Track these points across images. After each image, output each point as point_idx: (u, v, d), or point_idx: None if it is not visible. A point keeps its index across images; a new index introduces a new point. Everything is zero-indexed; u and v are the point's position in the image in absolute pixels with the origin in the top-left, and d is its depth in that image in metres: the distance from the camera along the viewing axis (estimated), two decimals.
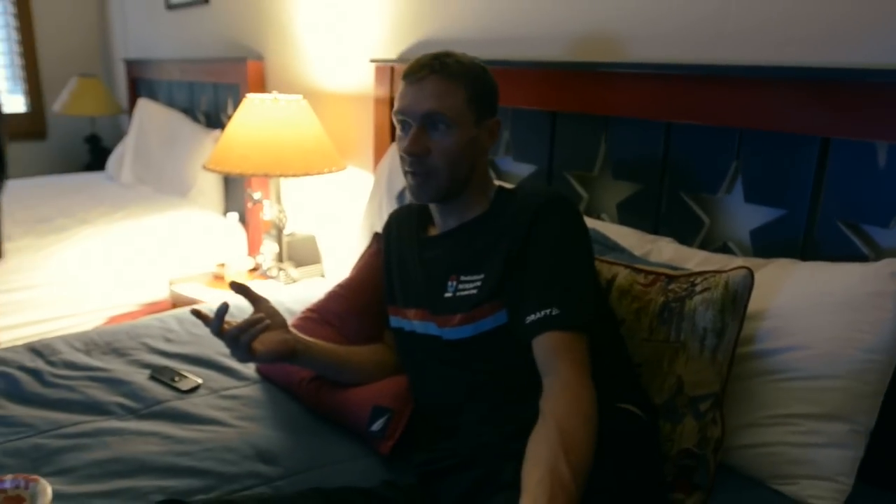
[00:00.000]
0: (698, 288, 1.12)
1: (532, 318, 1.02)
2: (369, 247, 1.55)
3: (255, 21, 2.90)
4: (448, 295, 1.15)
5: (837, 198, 1.24)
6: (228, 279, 2.56)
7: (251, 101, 2.28)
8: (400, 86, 1.16)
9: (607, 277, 1.25)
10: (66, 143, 4.40)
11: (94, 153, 4.32)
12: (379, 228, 1.98)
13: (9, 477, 1.07)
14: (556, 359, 0.99)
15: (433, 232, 1.26)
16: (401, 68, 2.07)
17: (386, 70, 2.14)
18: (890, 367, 1.08)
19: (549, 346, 1.00)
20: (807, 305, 1.12)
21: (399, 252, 1.29)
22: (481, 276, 1.12)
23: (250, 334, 1.10)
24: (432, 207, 1.23)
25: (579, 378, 0.97)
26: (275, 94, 2.30)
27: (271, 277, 2.52)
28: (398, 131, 1.18)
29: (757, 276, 1.12)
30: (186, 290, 2.57)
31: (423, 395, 1.22)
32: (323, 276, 2.59)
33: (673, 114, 1.45)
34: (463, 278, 1.14)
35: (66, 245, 2.65)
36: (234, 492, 1.10)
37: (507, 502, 0.89)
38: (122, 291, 2.70)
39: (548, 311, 1.01)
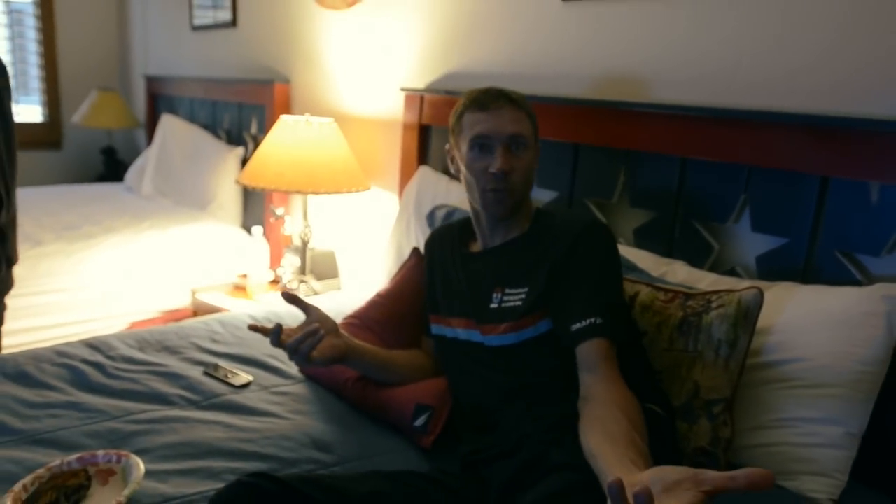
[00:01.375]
0: (714, 304, 1.28)
1: (578, 326, 1.16)
2: (408, 260, 1.70)
3: (282, 45, 3.05)
4: (493, 306, 1.28)
5: (834, 229, 1.40)
6: (250, 290, 2.69)
7: (285, 121, 2.42)
8: (468, 115, 1.30)
9: (630, 294, 1.40)
10: (81, 154, 4.52)
11: (108, 165, 4.43)
12: (406, 247, 2.14)
13: (100, 452, 1.18)
14: (600, 361, 1.13)
15: (475, 248, 1.41)
16: (431, 98, 2.25)
17: (416, 98, 2.30)
18: (880, 378, 1.24)
19: (592, 351, 1.14)
20: (808, 323, 1.28)
21: (442, 266, 1.43)
22: (525, 289, 1.26)
23: (309, 345, 1.19)
24: (482, 224, 1.36)
25: (620, 378, 1.12)
26: (307, 115, 2.45)
27: (291, 290, 2.65)
28: (470, 152, 1.29)
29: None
30: (209, 299, 2.68)
31: (464, 395, 1.35)
32: (339, 289, 2.71)
33: (688, 150, 1.61)
34: (508, 291, 1.28)
35: (94, 252, 2.76)
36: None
37: (561, 481, 1.02)
38: (144, 298, 2.81)
39: (592, 319, 1.15)
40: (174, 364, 1.62)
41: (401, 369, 1.44)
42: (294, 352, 1.20)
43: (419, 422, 1.36)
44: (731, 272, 1.57)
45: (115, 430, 1.32)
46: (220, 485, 1.12)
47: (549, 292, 1.23)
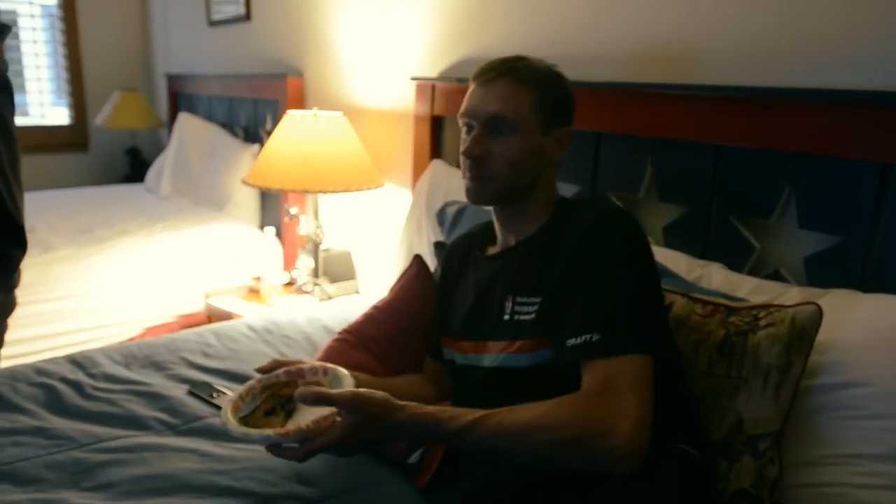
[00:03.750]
0: (762, 322, 1.08)
1: (572, 342, 0.97)
2: (409, 268, 1.53)
3: (295, 38, 2.92)
4: (506, 318, 1.10)
5: None
6: (263, 293, 2.58)
7: (291, 117, 2.29)
8: (469, 87, 1.14)
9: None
10: (107, 155, 4.49)
11: (133, 165, 4.39)
12: (417, 247, 1.98)
13: (307, 366, 1.07)
14: (602, 393, 0.91)
15: (492, 251, 1.22)
16: (442, 86, 2.09)
17: (427, 88, 2.14)
18: None
19: (592, 378, 0.94)
20: (870, 340, 1.07)
21: (459, 280, 1.26)
22: (538, 299, 1.06)
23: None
24: (495, 221, 1.19)
25: (630, 419, 0.88)
26: (315, 110, 2.31)
27: (306, 293, 2.52)
28: (462, 133, 1.15)
29: None
30: (222, 304, 2.58)
31: None
32: (358, 292, 2.58)
33: (724, 136, 1.41)
34: (519, 300, 1.09)
35: (106, 256, 2.69)
36: None
37: None
38: (158, 303, 2.73)
39: (588, 336, 0.95)
40: (158, 382, 1.49)
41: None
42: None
43: (413, 458, 1.20)
44: (775, 275, 1.37)
45: (80, 460, 1.20)
46: None
47: (553, 303, 1.03)
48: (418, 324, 1.39)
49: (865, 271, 1.24)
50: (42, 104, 4.37)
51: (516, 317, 1.08)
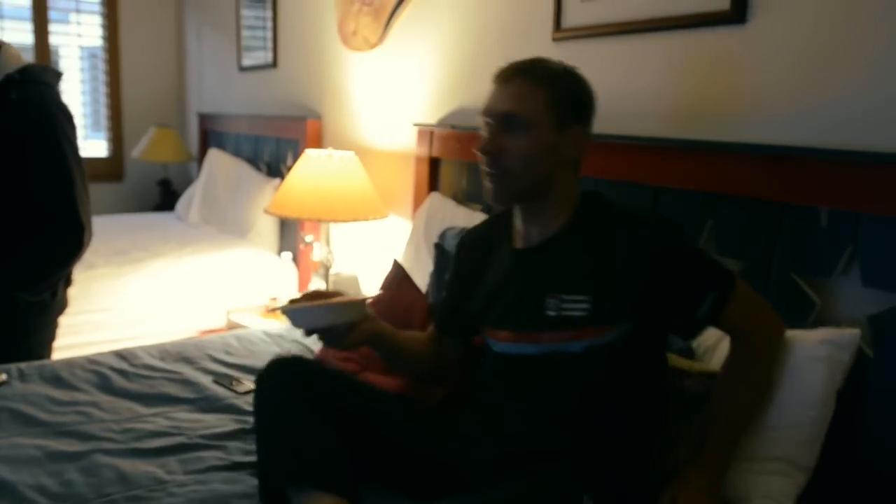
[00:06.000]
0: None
1: (702, 310, 1.18)
2: (390, 274, 1.82)
3: (316, 85, 3.28)
4: (551, 313, 1.17)
5: (787, 252, 1.43)
6: (277, 311, 2.87)
7: (309, 155, 2.62)
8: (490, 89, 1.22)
9: None
10: (140, 186, 4.86)
11: (164, 195, 4.75)
12: (416, 272, 2.25)
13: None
14: (741, 325, 1.21)
15: (518, 245, 1.28)
16: (439, 132, 2.40)
17: (426, 133, 2.46)
18: (826, 419, 1.27)
19: (734, 320, 1.20)
20: None
21: (480, 271, 1.33)
22: (587, 297, 1.15)
23: (339, 330, 1.20)
24: (516, 216, 1.27)
25: (775, 318, 1.25)
26: (330, 149, 2.64)
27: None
28: (483, 132, 1.20)
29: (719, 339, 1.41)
30: (242, 319, 2.88)
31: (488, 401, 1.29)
32: None
33: (657, 179, 1.66)
34: (565, 297, 1.16)
35: (140, 275, 3.01)
36: None
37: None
38: (186, 318, 3.04)
39: (710, 297, 1.17)
40: (188, 372, 1.79)
41: (408, 360, 1.40)
42: (327, 334, 1.22)
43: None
44: None
45: (127, 429, 1.49)
46: None
47: (625, 302, 1.16)
48: (405, 316, 1.64)
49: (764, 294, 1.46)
50: (85, 138, 4.77)
51: (563, 313, 1.16)
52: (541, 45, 2.07)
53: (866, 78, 1.37)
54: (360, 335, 1.23)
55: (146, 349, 1.93)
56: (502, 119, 1.16)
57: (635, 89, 1.81)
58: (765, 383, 1.26)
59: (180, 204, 4.16)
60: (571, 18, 1.96)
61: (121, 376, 1.74)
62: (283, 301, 1.22)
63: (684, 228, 1.23)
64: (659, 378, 1.29)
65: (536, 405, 1.21)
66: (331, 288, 2.81)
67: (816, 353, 1.29)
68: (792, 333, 1.32)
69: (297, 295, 1.34)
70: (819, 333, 1.32)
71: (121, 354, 1.87)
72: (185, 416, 1.55)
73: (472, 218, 2.19)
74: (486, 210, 2.24)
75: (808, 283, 1.41)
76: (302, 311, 1.19)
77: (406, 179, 2.68)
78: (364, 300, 1.25)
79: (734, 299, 1.20)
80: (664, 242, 1.17)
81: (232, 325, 2.94)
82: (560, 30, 1.99)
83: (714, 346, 1.45)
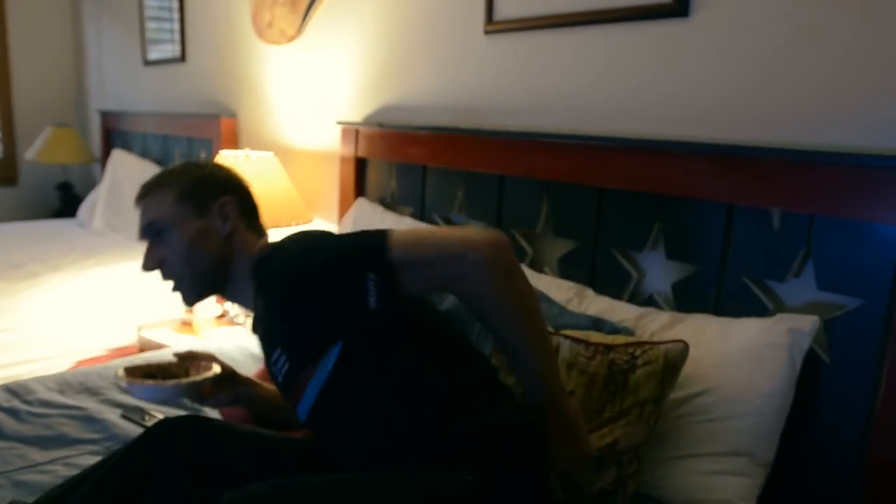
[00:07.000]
0: (639, 361, 1.23)
1: (372, 299, 1.02)
2: None
3: (229, 80, 3.07)
4: (283, 372, 1.17)
5: (741, 255, 1.41)
6: (196, 325, 2.67)
7: (223, 157, 2.42)
8: None
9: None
10: (37, 190, 4.48)
11: (64, 200, 4.40)
12: None
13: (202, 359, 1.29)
14: (439, 280, 1.04)
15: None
16: (365, 130, 2.26)
17: (351, 132, 2.31)
18: (785, 409, 1.25)
19: (415, 286, 1.05)
20: (715, 356, 1.29)
21: None
22: (283, 350, 1.15)
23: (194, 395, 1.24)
24: None
25: (457, 264, 1.01)
26: (246, 150, 2.45)
27: (238, 324, 2.63)
28: None
29: (676, 330, 1.34)
30: (154, 336, 2.65)
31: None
32: None
33: (602, 180, 1.63)
34: (278, 357, 1.17)
35: (38, 291, 2.73)
36: None
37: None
38: (91, 336, 2.78)
39: (370, 279, 1.01)
40: (93, 406, 1.59)
41: (280, 413, 1.34)
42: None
43: None
44: (650, 301, 1.57)
45: (17, 482, 1.29)
46: None
47: (305, 342, 1.12)
48: None
49: (718, 298, 1.46)
50: None
51: (283, 369, 1.16)
52: (472, 39, 1.97)
53: (814, 72, 1.33)
54: (224, 398, 1.28)
55: (42, 381, 1.71)
56: (148, 232, 1.21)
57: (576, 85, 1.73)
58: (510, 294, 1.03)
59: (82, 210, 3.84)
60: (505, 10, 1.86)
61: (11, 417, 1.52)
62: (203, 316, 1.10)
63: (312, 240, 1.12)
64: (430, 355, 1.11)
65: (350, 435, 1.12)
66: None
67: (777, 340, 1.27)
68: (751, 322, 1.33)
69: (137, 362, 1.25)
70: (780, 320, 1.30)
71: (11, 389, 1.65)
72: (89, 462, 1.36)
73: (400, 222, 2.07)
74: (416, 214, 2.13)
75: (761, 286, 1.39)
76: (142, 388, 1.19)
77: (331, 181, 2.52)
78: (211, 376, 1.24)
79: (401, 269, 1.03)
80: (286, 276, 1.09)
81: (144, 344, 2.70)
82: (493, 22, 1.89)
83: (659, 330, 1.42)
